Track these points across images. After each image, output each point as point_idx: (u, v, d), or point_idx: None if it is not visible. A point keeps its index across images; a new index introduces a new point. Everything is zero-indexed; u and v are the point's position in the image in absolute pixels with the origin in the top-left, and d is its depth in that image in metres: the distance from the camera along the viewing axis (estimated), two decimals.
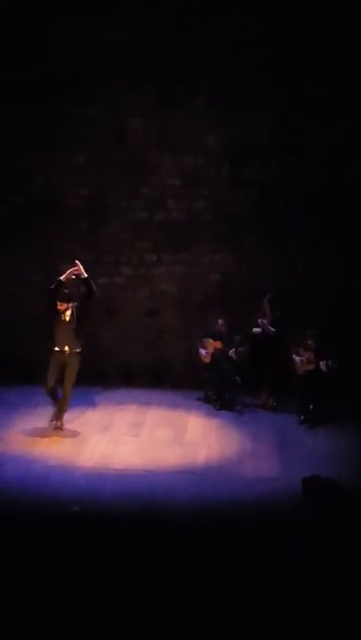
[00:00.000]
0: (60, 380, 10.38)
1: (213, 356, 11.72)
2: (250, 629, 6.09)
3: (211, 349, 11.77)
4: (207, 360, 11.81)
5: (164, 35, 12.42)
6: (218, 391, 11.81)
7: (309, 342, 11.06)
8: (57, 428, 10.43)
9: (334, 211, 12.58)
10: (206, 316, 12.29)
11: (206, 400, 11.94)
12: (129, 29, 12.43)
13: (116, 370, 12.94)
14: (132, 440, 10.37)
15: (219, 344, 11.70)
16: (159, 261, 13.08)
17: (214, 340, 11.77)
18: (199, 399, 12.00)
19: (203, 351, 11.81)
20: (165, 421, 10.96)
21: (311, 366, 11.01)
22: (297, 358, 11.19)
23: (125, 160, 12.93)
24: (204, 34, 12.36)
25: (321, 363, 10.84)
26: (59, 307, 10.21)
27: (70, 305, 10.24)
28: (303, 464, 9.41)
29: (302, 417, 11.11)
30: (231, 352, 11.53)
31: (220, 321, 11.77)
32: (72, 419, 11.15)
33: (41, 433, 10.51)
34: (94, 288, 10.32)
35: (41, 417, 11.12)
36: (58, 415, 10.47)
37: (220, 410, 11.61)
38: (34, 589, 6.49)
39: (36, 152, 12.84)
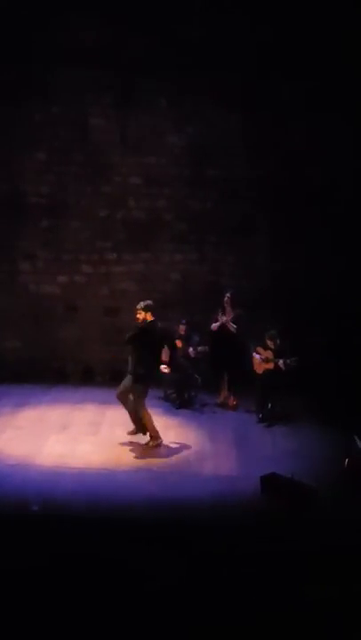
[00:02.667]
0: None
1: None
2: (206, 629, 6.13)
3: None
4: (167, 359, 11.82)
5: (127, 34, 12.42)
6: (177, 390, 11.84)
7: (269, 341, 11.14)
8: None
9: (296, 211, 12.69)
10: (166, 316, 12.30)
11: (166, 399, 11.97)
12: (92, 28, 12.42)
13: (75, 368, 12.93)
14: (91, 439, 10.35)
15: (178, 343, 11.72)
16: (120, 260, 13.07)
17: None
18: (159, 398, 12.02)
19: None
20: (124, 420, 10.89)
21: (270, 365, 11.10)
22: (256, 357, 11.26)
23: (87, 158, 12.91)
24: (166, 33, 12.38)
25: (279, 362, 10.93)
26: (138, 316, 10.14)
27: (150, 315, 10.14)
28: (261, 462, 9.48)
29: (261, 415, 11.19)
30: (190, 350, 11.57)
31: (181, 326, 11.75)
32: (31, 417, 11.13)
33: None
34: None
35: None
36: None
37: (179, 408, 11.64)
38: None
39: None
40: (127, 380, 10.18)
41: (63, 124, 12.83)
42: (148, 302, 10.21)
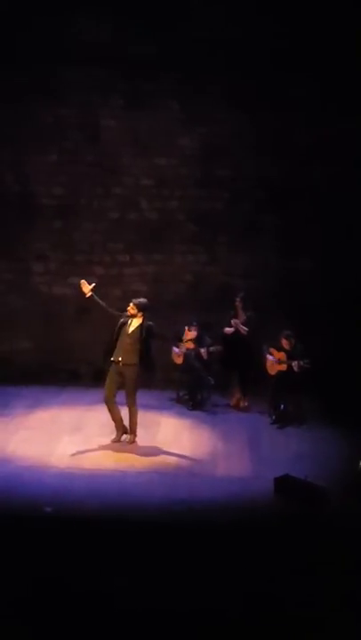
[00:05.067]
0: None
1: (185, 356, 11.74)
2: (215, 629, 6.11)
3: (182, 350, 11.79)
4: (179, 361, 11.82)
5: (136, 35, 12.43)
6: (190, 391, 11.83)
7: (284, 341, 11.11)
8: (114, 440, 10.21)
9: (306, 211, 12.66)
10: (178, 317, 12.30)
11: (178, 400, 11.96)
12: (101, 29, 12.43)
13: (87, 369, 12.93)
14: (104, 440, 10.34)
15: (190, 344, 11.72)
16: (131, 261, 13.08)
17: (185, 341, 11.78)
18: (172, 399, 12.02)
19: (176, 349, 11.82)
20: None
21: (283, 366, 11.07)
22: (270, 358, 11.24)
23: (98, 160, 12.93)
24: (175, 34, 12.37)
25: (293, 363, 10.90)
26: (129, 309, 10.05)
27: (140, 315, 10.06)
28: (274, 464, 9.46)
29: (274, 417, 11.17)
30: (203, 351, 11.56)
31: (192, 328, 11.73)
32: (43, 418, 11.14)
33: (11, 433, 10.47)
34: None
35: (11, 417, 11.08)
36: (129, 430, 10.24)
37: (192, 410, 11.63)
38: (6, 590, 6.48)
39: (8, 151, 12.80)
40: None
41: (74, 125, 12.85)
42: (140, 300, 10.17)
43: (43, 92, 12.61)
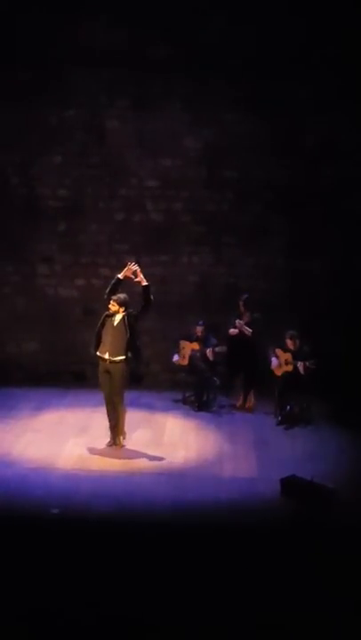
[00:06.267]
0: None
1: (190, 357, 11.74)
2: (220, 631, 6.11)
3: (188, 351, 11.80)
4: (184, 363, 11.83)
5: (142, 36, 12.43)
6: (196, 392, 11.83)
7: (289, 341, 11.10)
8: (109, 444, 10.15)
9: (312, 212, 12.65)
10: (184, 318, 12.31)
11: (184, 401, 11.96)
12: (107, 31, 12.44)
13: (93, 371, 12.92)
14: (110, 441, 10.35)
15: (195, 346, 11.72)
16: (137, 263, 13.04)
17: (190, 342, 11.79)
18: (177, 401, 12.02)
19: (176, 356, 11.83)
20: (143, 423, 10.95)
21: (289, 367, 11.06)
22: (275, 359, 11.23)
23: (103, 161, 12.93)
24: (181, 36, 12.38)
25: (299, 364, 10.89)
26: (110, 306, 10.08)
27: (122, 310, 10.08)
28: (281, 464, 9.45)
29: (280, 417, 11.16)
30: (208, 351, 11.55)
31: (198, 327, 11.74)
32: (50, 420, 11.15)
33: (17, 435, 10.49)
34: (151, 297, 10.10)
35: (17, 419, 11.10)
36: (118, 432, 10.15)
37: (198, 411, 11.62)
38: (13, 592, 6.48)
39: (14, 153, 12.82)
40: None
41: (79, 127, 12.86)
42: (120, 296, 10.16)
43: (48, 93, 12.62)
